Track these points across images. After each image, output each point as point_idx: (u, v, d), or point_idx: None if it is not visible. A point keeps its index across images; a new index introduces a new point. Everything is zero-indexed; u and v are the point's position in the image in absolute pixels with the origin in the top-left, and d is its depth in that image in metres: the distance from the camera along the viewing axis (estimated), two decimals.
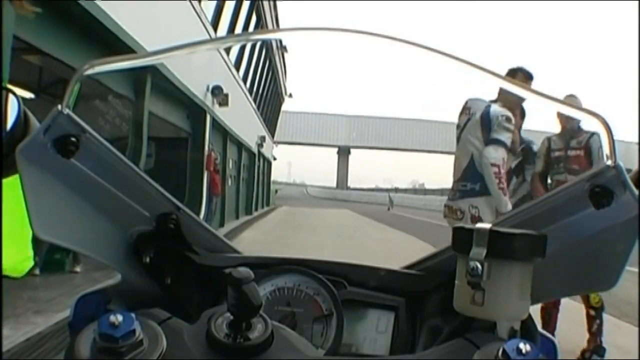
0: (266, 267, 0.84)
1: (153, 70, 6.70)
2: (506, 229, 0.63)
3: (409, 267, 0.88)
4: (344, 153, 43.93)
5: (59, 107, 0.59)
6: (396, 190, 43.95)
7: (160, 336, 0.50)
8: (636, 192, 0.61)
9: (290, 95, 27.95)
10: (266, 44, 17.19)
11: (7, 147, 0.61)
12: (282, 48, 22.56)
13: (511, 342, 0.53)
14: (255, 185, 19.99)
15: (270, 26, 16.43)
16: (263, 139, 20.45)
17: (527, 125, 3.82)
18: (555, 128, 3.81)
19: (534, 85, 3.42)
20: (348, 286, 0.85)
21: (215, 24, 10.83)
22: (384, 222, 18.55)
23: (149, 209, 0.76)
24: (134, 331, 0.48)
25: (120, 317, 0.48)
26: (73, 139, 0.60)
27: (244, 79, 15.56)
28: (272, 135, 25.94)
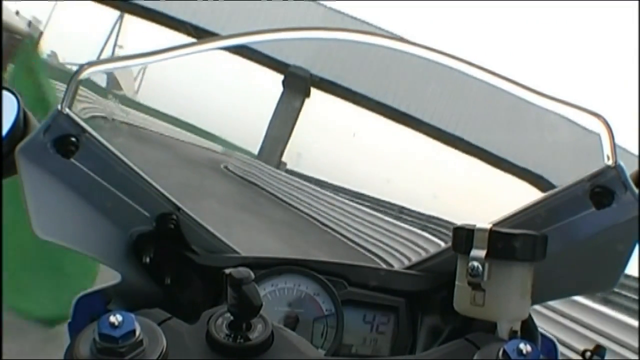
0: (266, 267, 0.84)
1: None
2: (506, 229, 0.63)
3: (409, 267, 0.87)
4: (295, 86, 17.52)
5: (59, 107, 0.59)
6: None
7: (160, 336, 0.50)
8: (637, 192, 0.61)
9: None
10: None
11: (7, 147, 0.61)
12: None
13: (512, 342, 0.52)
14: None
15: None
16: None
17: None
18: None
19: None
20: (348, 286, 0.85)
21: None
22: None
23: (149, 209, 0.76)
24: (134, 331, 0.48)
25: (120, 317, 0.47)
26: (73, 139, 0.60)
27: None
28: None
